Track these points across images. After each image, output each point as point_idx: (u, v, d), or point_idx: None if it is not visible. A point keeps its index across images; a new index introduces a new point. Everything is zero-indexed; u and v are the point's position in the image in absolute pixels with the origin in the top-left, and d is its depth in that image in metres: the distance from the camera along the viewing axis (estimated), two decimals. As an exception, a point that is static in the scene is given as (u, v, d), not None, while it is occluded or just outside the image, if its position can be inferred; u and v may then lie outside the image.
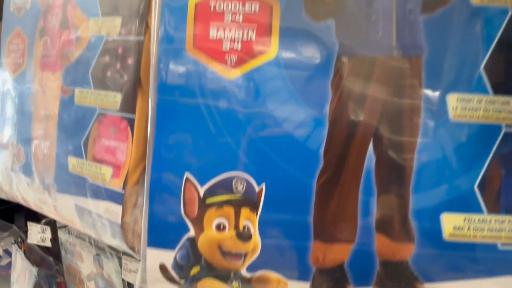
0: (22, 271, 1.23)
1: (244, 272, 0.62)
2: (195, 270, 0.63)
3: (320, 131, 0.58)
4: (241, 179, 0.60)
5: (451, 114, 0.56)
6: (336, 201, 0.58)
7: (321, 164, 0.58)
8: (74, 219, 0.81)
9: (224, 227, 0.61)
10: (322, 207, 0.59)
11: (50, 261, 1.23)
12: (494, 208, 0.57)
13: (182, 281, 0.64)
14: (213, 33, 0.60)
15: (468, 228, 0.57)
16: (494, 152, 0.56)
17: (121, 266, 0.95)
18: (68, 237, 1.08)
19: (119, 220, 0.70)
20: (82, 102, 0.76)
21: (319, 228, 0.59)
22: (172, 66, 0.62)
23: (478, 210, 0.57)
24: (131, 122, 0.69)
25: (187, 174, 0.61)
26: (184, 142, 0.61)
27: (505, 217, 0.57)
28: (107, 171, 0.72)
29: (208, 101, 0.60)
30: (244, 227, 0.61)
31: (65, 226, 1.07)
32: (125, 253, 0.90)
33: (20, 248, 1.25)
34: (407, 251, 0.58)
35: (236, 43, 0.60)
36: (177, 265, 0.63)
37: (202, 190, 0.61)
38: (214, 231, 0.61)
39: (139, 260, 0.66)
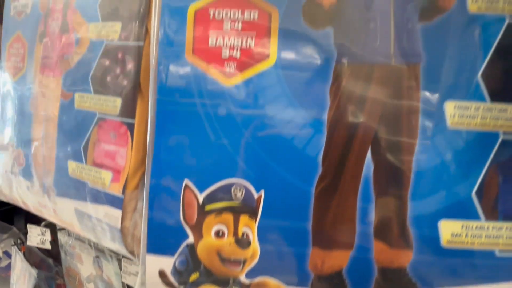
0: (21, 273, 1.23)
1: (243, 278, 0.62)
2: (194, 276, 0.63)
3: (319, 138, 0.58)
4: (240, 186, 0.60)
5: (448, 121, 0.57)
6: (335, 208, 0.59)
7: (319, 171, 0.59)
8: (73, 223, 0.82)
9: (223, 234, 0.61)
10: (320, 214, 0.59)
11: (49, 263, 1.22)
12: (492, 215, 0.57)
13: (181, 287, 0.64)
14: (212, 40, 0.60)
15: (466, 235, 0.57)
16: (492, 159, 0.56)
17: (120, 269, 0.95)
18: (67, 239, 1.08)
19: (118, 225, 0.70)
20: (82, 107, 0.76)
21: (318, 234, 0.59)
22: (171, 71, 0.62)
23: (475, 217, 0.57)
24: (130, 127, 0.69)
25: (186, 181, 0.62)
26: (184, 149, 0.62)
27: (503, 224, 0.57)
28: (107, 175, 0.72)
29: (207, 107, 0.61)
30: (243, 234, 0.61)
31: (64, 228, 1.07)
32: (124, 256, 0.90)
33: (19, 249, 1.25)
34: (405, 258, 0.58)
35: (235, 51, 0.60)
36: (176, 271, 0.63)
37: (201, 197, 0.61)
38: (213, 237, 0.61)
39: (139, 263, 0.66)
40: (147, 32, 0.68)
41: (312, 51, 0.59)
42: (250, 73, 0.60)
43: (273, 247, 0.60)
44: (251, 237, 0.61)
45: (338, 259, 0.59)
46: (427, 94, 0.57)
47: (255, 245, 0.61)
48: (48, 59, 0.85)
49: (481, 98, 0.56)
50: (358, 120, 0.58)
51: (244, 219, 0.61)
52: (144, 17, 0.68)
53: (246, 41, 0.60)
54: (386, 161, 0.58)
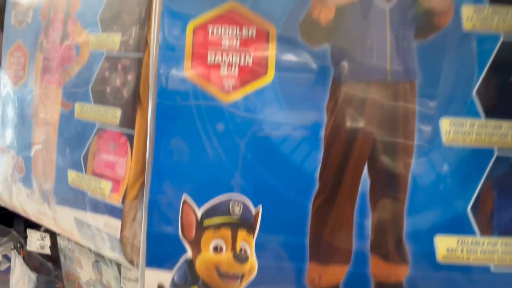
0: (21, 276, 1.22)
1: (241, 292, 0.63)
2: (192, 290, 0.64)
3: (316, 154, 0.59)
4: (239, 201, 0.61)
5: (444, 138, 0.57)
6: (332, 223, 0.59)
7: (316, 186, 0.59)
8: (73, 232, 0.82)
9: (221, 249, 0.62)
10: (317, 229, 0.59)
11: (49, 267, 1.22)
12: (487, 230, 0.57)
13: (180, 301, 0.65)
14: (211, 57, 0.61)
15: (462, 250, 0.58)
16: (487, 175, 0.57)
17: (120, 273, 0.95)
18: (67, 243, 1.08)
19: (118, 234, 0.71)
20: (82, 117, 0.77)
21: (315, 249, 0.60)
22: (170, 87, 0.62)
23: (471, 232, 0.57)
24: (130, 138, 0.70)
25: (185, 196, 0.62)
26: (182, 164, 0.62)
27: (498, 239, 0.57)
28: (107, 185, 0.72)
29: (205, 123, 0.61)
30: (241, 249, 0.61)
31: (64, 233, 1.08)
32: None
33: (19, 253, 1.25)
34: (402, 273, 0.58)
35: (233, 68, 0.60)
36: (175, 286, 0.63)
37: (199, 212, 0.62)
38: (211, 252, 0.62)
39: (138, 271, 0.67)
40: (146, 43, 0.68)
41: (309, 68, 0.59)
42: (248, 89, 0.60)
43: (271, 262, 0.61)
44: (249, 252, 0.61)
45: (335, 274, 0.60)
46: (423, 110, 0.57)
47: (253, 260, 0.61)
48: (48, 68, 0.85)
49: (476, 115, 0.57)
50: (354, 136, 0.58)
51: (242, 234, 0.61)
52: (144, 29, 0.68)
53: (244, 58, 0.60)
54: (382, 177, 0.58)
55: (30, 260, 1.23)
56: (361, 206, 0.59)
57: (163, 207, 0.63)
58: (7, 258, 1.36)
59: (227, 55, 0.61)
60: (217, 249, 0.62)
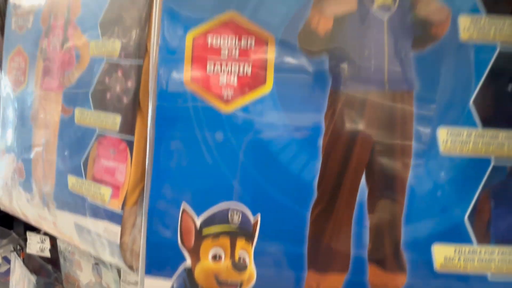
0: (20, 278, 1.22)
1: (240, 301, 0.63)
2: (192, 298, 0.64)
3: (314, 163, 0.59)
4: (237, 210, 0.61)
5: (441, 147, 0.57)
6: (330, 232, 0.59)
7: (315, 195, 0.59)
8: (73, 237, 0.82)
9: (220, 258, 0.62)
10: (316, 238, 0.59)
11: (49, 269, 1.22)
12: (484, 239, 0.58)
13: (179, 309, 0.65)
14: (210, 67, 0.61)
15: (459, 259, 0.58)
16: (484, 184, 0.57)
17: (119, 276, 0.95)
18: (67, 245, 1.08)
19: (118, 240, 0.71)
20: (82, 122, 0.77)
21: (313, 258, 0.60)
22: (170, 100, 0.63)
23: (468, 241, 0.58)
24: (130, 144, 0.70)
25: (184, 205, 0.62)
26: (181, 173, 0.62)
27: (495, 248, 0.58)
28: (106, 191, 0.72)
29: (204, 132, 0.61)
30: (239, 258, 0.61)
31: (64, 236, 1.08)
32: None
33: (19, 255, 1.25)
34: (399, 281, 0.59)
35: (232, 78, 0.61)
36: (174, 294, 0.64)
37: (198, 221, 0.62)
38: (210, 261, 0.62)
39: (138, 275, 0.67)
40: (146, 50, 0.68)
41: (308, 78, 0.59)
42: (247, 99, 0.60)
43: (269, 270, 0.61)
44: (247, 261, 0.61)
45: (333, 282, 0.60)
46: (420, 120, 0.58)
47: (252, 268, 0.61)
48: (49, 74, 0.85)
49: (473, 124, 0.57)
50: (353, 145, 0.59)
51: (240, 242, 0.61)
52: (144, 35, 0.69)
53: (243, 68, 0.61)
54: (380, 186, 0.58)
55: (30, 262, 1.23)
56: (359, 215, 0.59)
57: (163, 214, 0.63)
58: (6, 260, 1.36)
59: (226, 64, 0.61)
60: (216, 257, 0.62)
